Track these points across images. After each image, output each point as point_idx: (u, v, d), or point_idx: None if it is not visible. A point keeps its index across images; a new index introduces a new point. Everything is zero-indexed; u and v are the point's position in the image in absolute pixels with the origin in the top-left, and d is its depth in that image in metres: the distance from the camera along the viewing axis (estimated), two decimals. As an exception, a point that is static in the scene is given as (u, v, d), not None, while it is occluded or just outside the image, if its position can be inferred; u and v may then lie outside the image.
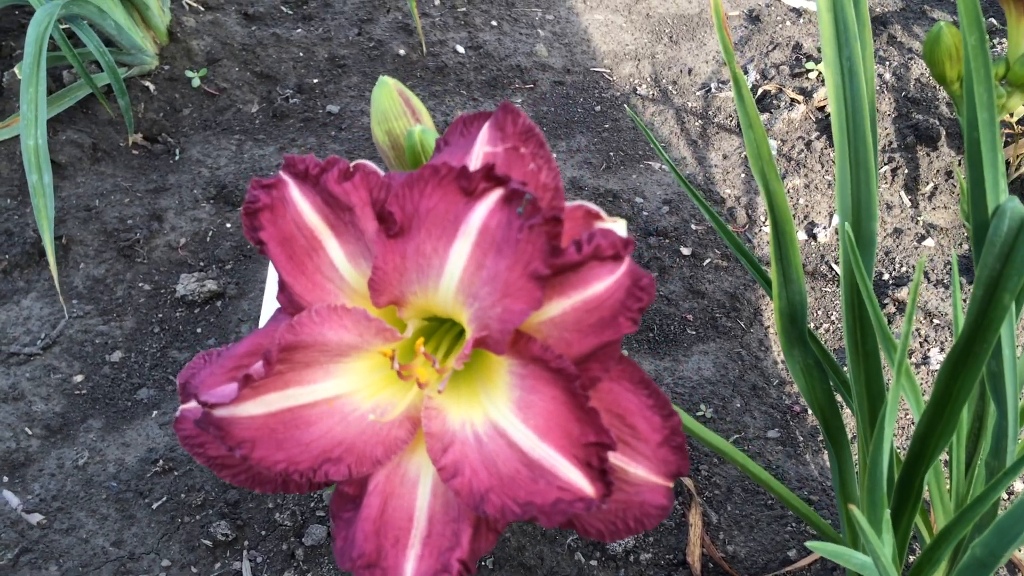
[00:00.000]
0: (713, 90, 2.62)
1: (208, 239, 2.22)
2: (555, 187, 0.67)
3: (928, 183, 2.29)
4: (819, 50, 2.65)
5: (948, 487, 1.34)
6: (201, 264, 2.17)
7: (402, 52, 2.74)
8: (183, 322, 2.05)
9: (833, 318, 2.05)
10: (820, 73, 2.55)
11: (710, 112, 2.58)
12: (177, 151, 2.44)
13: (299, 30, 2.81)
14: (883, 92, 2.45)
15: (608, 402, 0.66)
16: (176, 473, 1.74)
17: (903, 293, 2.04)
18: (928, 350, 1.95)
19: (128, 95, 2.39)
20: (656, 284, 1.23)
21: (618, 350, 0.65)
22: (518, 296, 0.61)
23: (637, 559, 1.61)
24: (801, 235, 2.24)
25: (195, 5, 2.78)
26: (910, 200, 2.28)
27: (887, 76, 2.50)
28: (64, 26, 2.47)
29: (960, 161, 2.30)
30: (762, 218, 2.28)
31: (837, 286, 2.11)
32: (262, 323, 1.02)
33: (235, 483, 0.69)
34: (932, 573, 1.12)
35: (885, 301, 2.05)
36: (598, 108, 2.63)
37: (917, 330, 1.99)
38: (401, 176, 0.66)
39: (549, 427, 0.63)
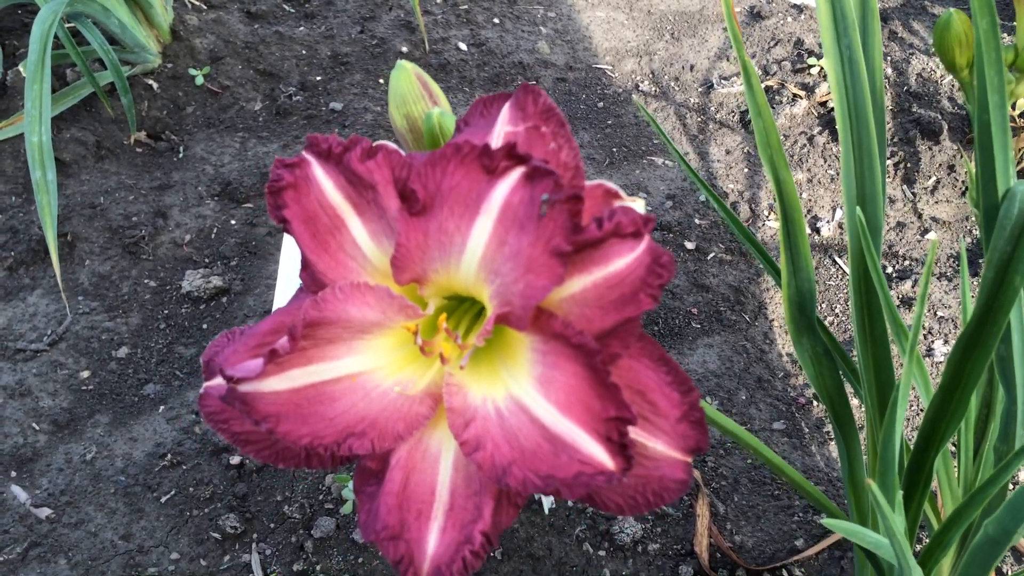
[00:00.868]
0: (715, 86, 2.63)
1: (213, 236, 2.23)
2: (575, 166, 0.68)
3: (930, 177, 2.30)
4: (820, 46, 2.66)
5: (956, 475, 1.35)
6: (206, 260, 2.18)
7: (405, 49, 2.75)
8: (189, 318, 2.05)
9: (837, 311, 2.06)
10: (822, 68, 2.56)
11: (712, 108, 2.59)
12: (181, 149, 2.44)
13: (301, 28, 2.81)
14: (884, 87, 2.45)
15: (628, 378, 0.66)
16: (184, 467, 1.74)
17: (907, 286, 2.05)
18: (932, 342, 1.96)
19: (131, 93, 2.40)
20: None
21: (638, 327, 0.66)
22: (540, 272, 0.62)
23: (645, 549, 1.61)
24: (804, 229, 2.25)
25: (198, 3, 2.79)
26: (912, 194, 2.29)
27: (888, 71, 2.51)
28: (68, 25, 2.48)
29: (962, 154, 2.31)
30: (765, 212, 2.29)
31: (840, 280, 2.12)
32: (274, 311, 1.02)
33: (258, 459, 0.70)
34: (943, 557, 1.13)
35: (889, 295, 2.05)
36: (600, 104, 2.64)
37: (922, 322, 1.99)
38: (422, 156, 0.67)
39: (571, 402, 0.63)
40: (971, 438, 1.28)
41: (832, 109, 2.46)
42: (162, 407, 1.86)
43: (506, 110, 0.68)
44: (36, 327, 2.00)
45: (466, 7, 2.93)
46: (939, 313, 2.01)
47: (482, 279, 0.64)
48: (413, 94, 0.83)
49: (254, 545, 1.63)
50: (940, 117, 2.37)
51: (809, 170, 2.35)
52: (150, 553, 1.62)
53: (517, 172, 0.63)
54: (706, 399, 1.88)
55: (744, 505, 1.70)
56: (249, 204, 2.30)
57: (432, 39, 2.80)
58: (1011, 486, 1.71)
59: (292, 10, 2.89)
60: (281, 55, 2.70)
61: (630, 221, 0.63)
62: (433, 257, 0.65)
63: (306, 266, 0.69)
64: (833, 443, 1.82)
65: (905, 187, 2.30)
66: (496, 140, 0.67)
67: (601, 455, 0.62)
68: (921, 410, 1.81)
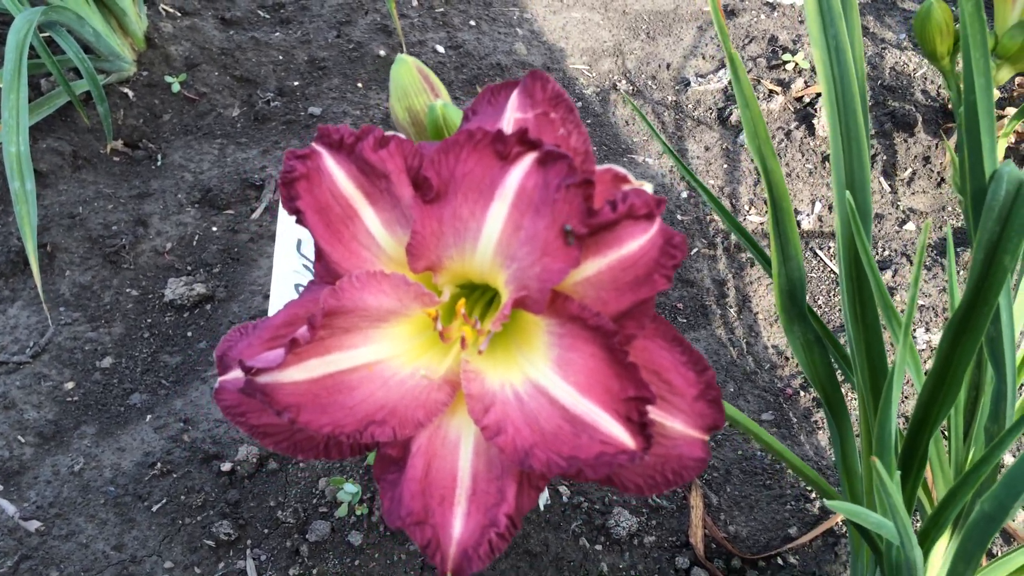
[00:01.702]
0: (691, 84, 2.65)
1: (194, 243, 2.21)
2: (585, 151, 0.69)
3: (906, 168, 2.34)
4: (794, 42, 2.70)
5: (948, 457, 1.37)
6: (188, 268, 2.16)
7: (382, 53, 2.75)
8: (173, 326, 2.04)
9: (820, 302, 2.08)
10: (797, 64, 2.60)
11: (689, 106, 2.62)
12: (159, 157, 2.42)
13: (277, 33, 2.80)
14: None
15: (644, 359, 0.67)
16: (175, 475, 1.72)
17: (887, 276, 2.08)
18: (915, 330, 1.99)
19: (107, 102, 2.37)
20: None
21: (652, 308, 0.67)
22: (556, 255, 0.63)
23: (641, 542, 1.62)
24: (785, 223, 2.27)
25: (172, 11, 2.77)
26: (889, 186, 2.32)
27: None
28: (43, 34, 2.45)
29: (938, 145, 2.35)
30: (746, 207, 2.31)
31: (822, 272, 2.15)
32: (271, 311, 1.02)
33: (277, 450, 0.70)
34: (939, 536, 1.15)
35: (881, 279, 2.09)
36: (579, 104, 2.66)
37: (902, 311, 2.03)
38: (433, 145, 0.67)
39: (590, 383, 0.64)
40: (961, 420, 1.31)
41: (808, 104, 2.50)
42: (149, 416, 1.84)
43: (515, 97, 0.69)
44: (18, 339, 1.98)
45: (442, 10, 2.94)
46: (920, 302, 2.04)
47: (498, 264, 0.65)
48: (415, 87, 0.83)
49: (248, 551, 1.62)
50: (915, 110, 2.41)
51: (787, 164, 2.38)
52: (143, 563, 1.60)
53: (530, 157, 0.63)
54: (695, 392, 1.90)
55: (737, 495, 1.72)
56: (230, 210, 2.29)
57: (409, 42, 2.80)
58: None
59: (267, 16, 2.88)
60: (258, 61, 2.68)
61: (643, 203, 0.64)
62: (448, 244, 0.65)
63: (320, 257, 0.69)
64: (821, 432, 1.84)
65: (882, 179, 2.33)
66: (506, 127, 0.68)
67: (622, 435, 0.63)
68: (906, 397, 1.84)
